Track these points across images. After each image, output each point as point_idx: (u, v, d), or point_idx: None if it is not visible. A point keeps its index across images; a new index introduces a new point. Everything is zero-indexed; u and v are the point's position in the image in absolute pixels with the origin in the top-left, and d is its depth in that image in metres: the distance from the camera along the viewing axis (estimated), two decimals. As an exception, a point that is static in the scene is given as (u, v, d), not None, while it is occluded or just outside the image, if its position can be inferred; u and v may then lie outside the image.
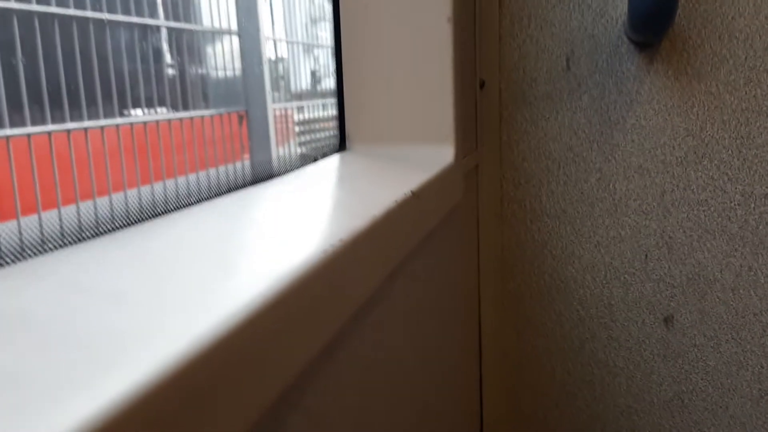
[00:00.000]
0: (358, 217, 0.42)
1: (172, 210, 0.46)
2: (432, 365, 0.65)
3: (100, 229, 0.37)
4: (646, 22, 0.73)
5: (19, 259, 0.32)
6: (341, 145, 0.70)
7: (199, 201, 0.49)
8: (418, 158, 0.67)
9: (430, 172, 0.59)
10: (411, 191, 0.50)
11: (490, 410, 0.91)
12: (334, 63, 0.69)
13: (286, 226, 0.40)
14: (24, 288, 0.28)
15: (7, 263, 0.32)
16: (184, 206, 0.47)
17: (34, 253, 0.34)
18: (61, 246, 0.35)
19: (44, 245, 0.35)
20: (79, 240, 0.36)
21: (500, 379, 0.92)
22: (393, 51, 0.67)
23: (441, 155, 0.67)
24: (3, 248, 0.32)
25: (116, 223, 0.39)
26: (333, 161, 0.65)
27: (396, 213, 0.47)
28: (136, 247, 0.35)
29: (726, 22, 0.77)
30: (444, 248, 0.69)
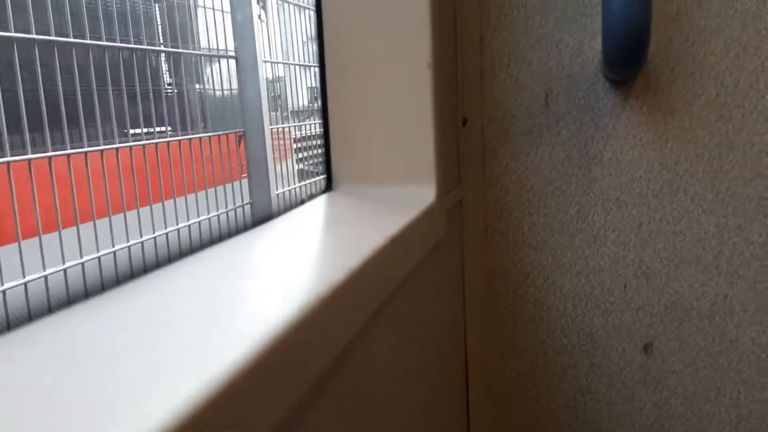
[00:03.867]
0: (337, 268, 0.44)
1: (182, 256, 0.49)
2: (420, 392, 0.68)
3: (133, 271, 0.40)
4: (620, 61, 0.77)
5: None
6: (328, 186, 0.73)
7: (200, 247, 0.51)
8: (402, 198, 0.70)
9: (411, 213, 0.62)
10: (390, 237, 0.53)
11: (476, 437, 0.94)
12: (320, 108, 0.72)
13: (275, 275, 0.43)
14: (88, 323, 0.30)
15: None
16: (186, 254, 0.50)
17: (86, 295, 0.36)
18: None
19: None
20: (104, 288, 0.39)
21: (487, 405, 0.95)
22: (376, 96, 0.70)
23: (423, 194, 0.70)
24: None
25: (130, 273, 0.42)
26: (320, 202, 0.68)
27: (376, 259, 0.50)
28: (145, 296, 0.38)
29: (697, 60, 0.80)
30: (429, 281, 0.72)
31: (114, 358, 0.29)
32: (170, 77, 3.08)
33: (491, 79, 0.86)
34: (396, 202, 0.68)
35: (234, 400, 0.27)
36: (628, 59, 0.76)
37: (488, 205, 0.89)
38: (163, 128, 2.96)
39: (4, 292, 2.08)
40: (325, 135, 0.72)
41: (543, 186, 0.87)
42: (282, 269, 0.46)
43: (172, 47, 3.07)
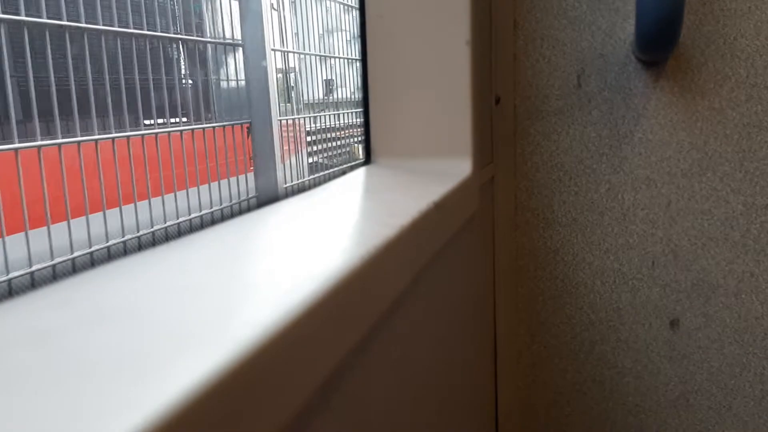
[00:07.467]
0: (387, 227, 0.47)
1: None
2: (450, 363, 0.70)
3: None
4: (652, 42, 0.78)
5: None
6: (366, 159, 0.76)
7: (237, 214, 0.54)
8: (439, 171, 0.72)
9: (449, 184, 0.65)
10: (433, 203, 0.56)
11: (505, 406, 0.96)
12: (362, 86, 0.74)
13: (326, 234, 0.45)
14: (111, 284, 0.33)
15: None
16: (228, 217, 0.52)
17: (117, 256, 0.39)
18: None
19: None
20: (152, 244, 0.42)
21: (514, 378, 0.97)
22: (415, 73, 0.72)
23: (459, 168, 0.73)
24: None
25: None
26: (360, 174, 0.71)
27: (420, 222, 0.52)
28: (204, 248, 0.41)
29: (728, 42, 0.82)
30: (462, 254, 0.75)
31: (155, 309, 0.28)
32: (180, 65, 3.02)
33: (524, 60, 0.88)
34: (433, 174, 0.71)
35: (277, 358, 0.26)
36: (660, 41, 0.77)
37: (519, 182, 0.91)
38: (176, 119, 2.89)
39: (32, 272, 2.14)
40: (365, 110, 0.75)
41: (573, 165, 0.89)
42: (333, 228, 0.48)
43: (186, 35, 3.00)
